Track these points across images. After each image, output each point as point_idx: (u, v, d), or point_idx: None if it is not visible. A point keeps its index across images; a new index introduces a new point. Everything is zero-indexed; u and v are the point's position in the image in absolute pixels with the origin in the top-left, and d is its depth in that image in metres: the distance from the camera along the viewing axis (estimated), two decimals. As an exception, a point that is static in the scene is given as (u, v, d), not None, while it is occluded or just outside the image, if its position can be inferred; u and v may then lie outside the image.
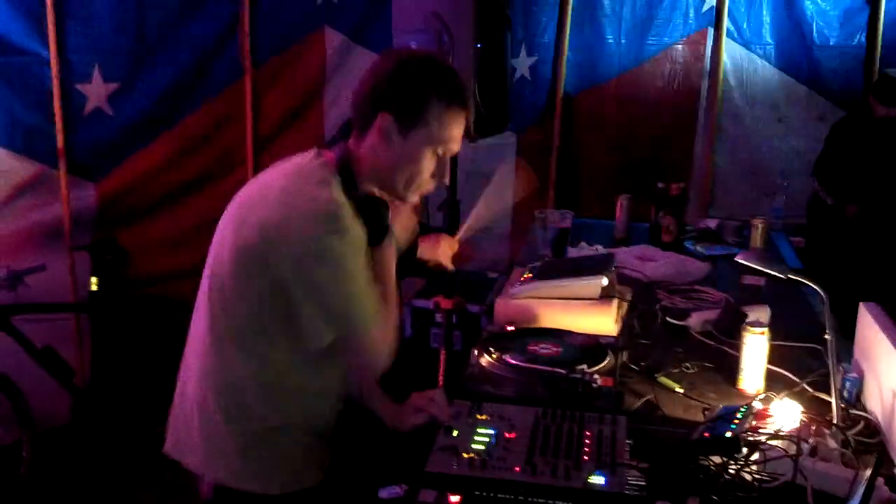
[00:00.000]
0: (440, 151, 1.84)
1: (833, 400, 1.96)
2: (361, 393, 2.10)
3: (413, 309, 4.35)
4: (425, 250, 2.90)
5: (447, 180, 1.96)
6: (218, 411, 1.85)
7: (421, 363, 3.37)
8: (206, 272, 1.88)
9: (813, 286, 1.99)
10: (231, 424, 1.85)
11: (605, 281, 2.55)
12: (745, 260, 2.10)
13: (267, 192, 1.81)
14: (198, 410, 1.89)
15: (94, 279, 3.83)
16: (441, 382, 3.17)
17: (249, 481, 1.86)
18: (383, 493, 2.24)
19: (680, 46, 5.04)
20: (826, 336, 1.98)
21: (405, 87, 1.78)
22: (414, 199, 1.93)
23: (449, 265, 2.91)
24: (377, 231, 1.86)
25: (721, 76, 5.00)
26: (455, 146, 1.86)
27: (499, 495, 1.65)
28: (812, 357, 2.34)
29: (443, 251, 2.94)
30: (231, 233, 1.81)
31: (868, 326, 2.17)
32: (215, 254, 1.86)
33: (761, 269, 2.06)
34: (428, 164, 1.84)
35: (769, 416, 1.99)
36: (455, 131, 1.84)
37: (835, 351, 1.98)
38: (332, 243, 1.71)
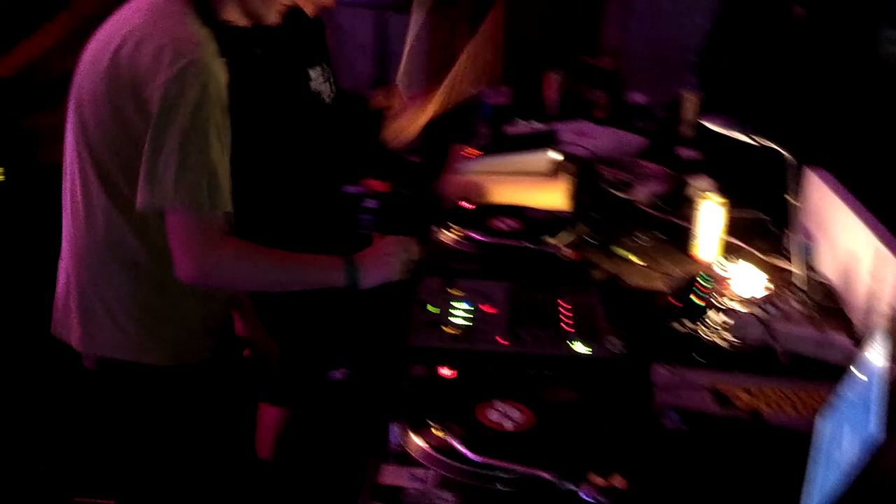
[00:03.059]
0: None
1: (794, 265, 2.01)
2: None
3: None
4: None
5: None
6: (90, 274, 1.68)
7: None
8: (71, 119, 1.70)
9: (778, 149, 2.01)
10: (104, 287, 1.68)
11: (554, 155, 2.53)
12: (712, 123, 2.10)
13: (119, 31, 1.62)
14: (73, 275, 1.72)
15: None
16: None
17: (131, 352, 1.69)
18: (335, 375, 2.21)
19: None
20: (788, 198, 2.02)
21: None
22: (275, 19, 1.71)
23: (409, 136, 2.82)
24: (243, 68, 1.68)
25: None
26: None
27: (487, 367, 1.63)
28: (757, 225, 2.39)
29: (405, 119, 2.84)
30: (87, 77, 1.64)
31: (817, 191, 2.22)
32: (76, 100, 1.68)
33: (727, 132, 2.07)
34: None
35: (729, 281, 2.03)
36: None
37: (796, 216, 2.02)
38: (185, 90, 1.50)
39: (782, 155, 2.04)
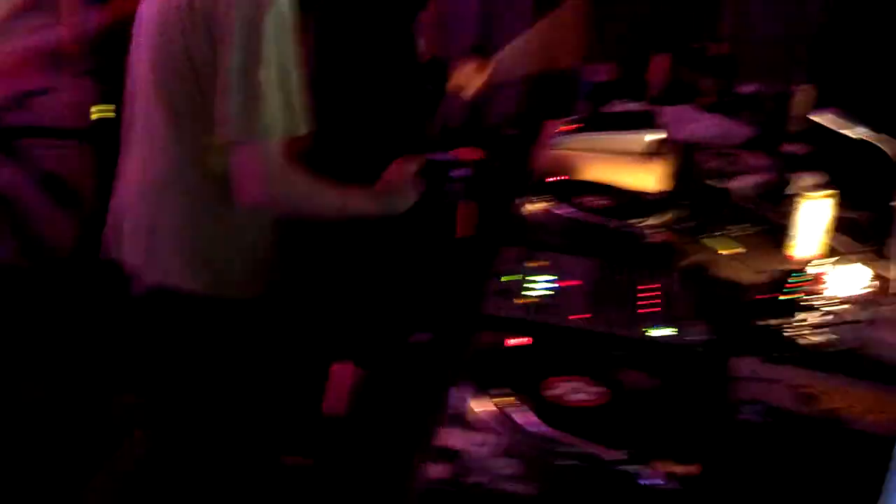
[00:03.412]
0: None
1: (894, 270, 1.91)
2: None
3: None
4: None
5: None
6: (150, 200, 1.74)
7: (435, 220, 3.28)
8: (138, 56, 1.74)
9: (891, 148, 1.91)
10: (163, 213, 1.73)
11: (652, 136, 2.46)
12: (824, 118, 2.00)
13: None
14: (133, 202, 1.78)
15: (98, 106, 3.67)
16: (459, 234, 3.09)
17: (185, 277, 1.73)
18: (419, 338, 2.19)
19: None
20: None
21: None
22: None
23: (469, 91, 2.79)
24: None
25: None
26: None
27: (556, 342, 1.59)
28: (861, 226, 2.28)
29: (470, 74, 2.81)
30: (157, 15, 1.68)
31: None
32: (146, 38, 1.71)
33: (839, 128, 1.97)
34: None
35: (825, 282, 1.94)
36: None
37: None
38: (259, 26, 1.54)
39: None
